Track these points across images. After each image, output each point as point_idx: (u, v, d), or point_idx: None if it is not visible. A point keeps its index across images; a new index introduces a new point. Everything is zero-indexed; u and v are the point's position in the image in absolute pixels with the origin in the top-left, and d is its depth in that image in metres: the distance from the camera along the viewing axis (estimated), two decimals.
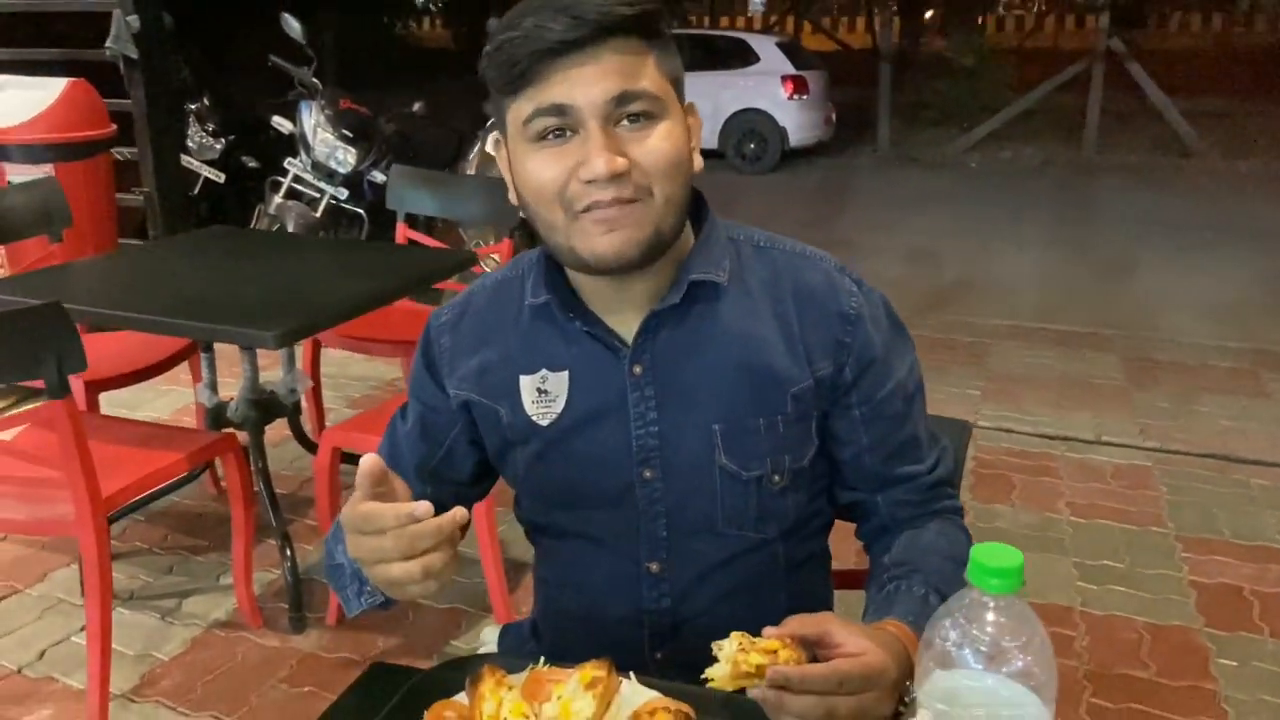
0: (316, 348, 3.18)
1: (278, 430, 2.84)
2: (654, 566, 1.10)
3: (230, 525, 2.36)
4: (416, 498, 1.20)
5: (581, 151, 0.93)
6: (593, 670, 0.90)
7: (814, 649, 0.85)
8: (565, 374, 1.07)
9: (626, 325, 1.05)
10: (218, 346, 2.72)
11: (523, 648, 1.25)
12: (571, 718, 0.86)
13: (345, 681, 1.02)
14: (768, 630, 0.84)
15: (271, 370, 3.29)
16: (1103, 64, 10.32)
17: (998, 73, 12.25)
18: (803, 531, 1.14)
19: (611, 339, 1.05)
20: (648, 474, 1.07)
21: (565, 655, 0.94)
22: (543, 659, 0.94)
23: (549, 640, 1.24)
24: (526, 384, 1.09)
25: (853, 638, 0.85)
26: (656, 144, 0.95)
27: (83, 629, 2.36)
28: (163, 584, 2.62)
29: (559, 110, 0.93)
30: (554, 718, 0.86)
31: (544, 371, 1.08)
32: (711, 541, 1.09)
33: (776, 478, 1.07)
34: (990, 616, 0.68)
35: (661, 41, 0.97)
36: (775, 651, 0.83)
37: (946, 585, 1.02)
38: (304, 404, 3.04)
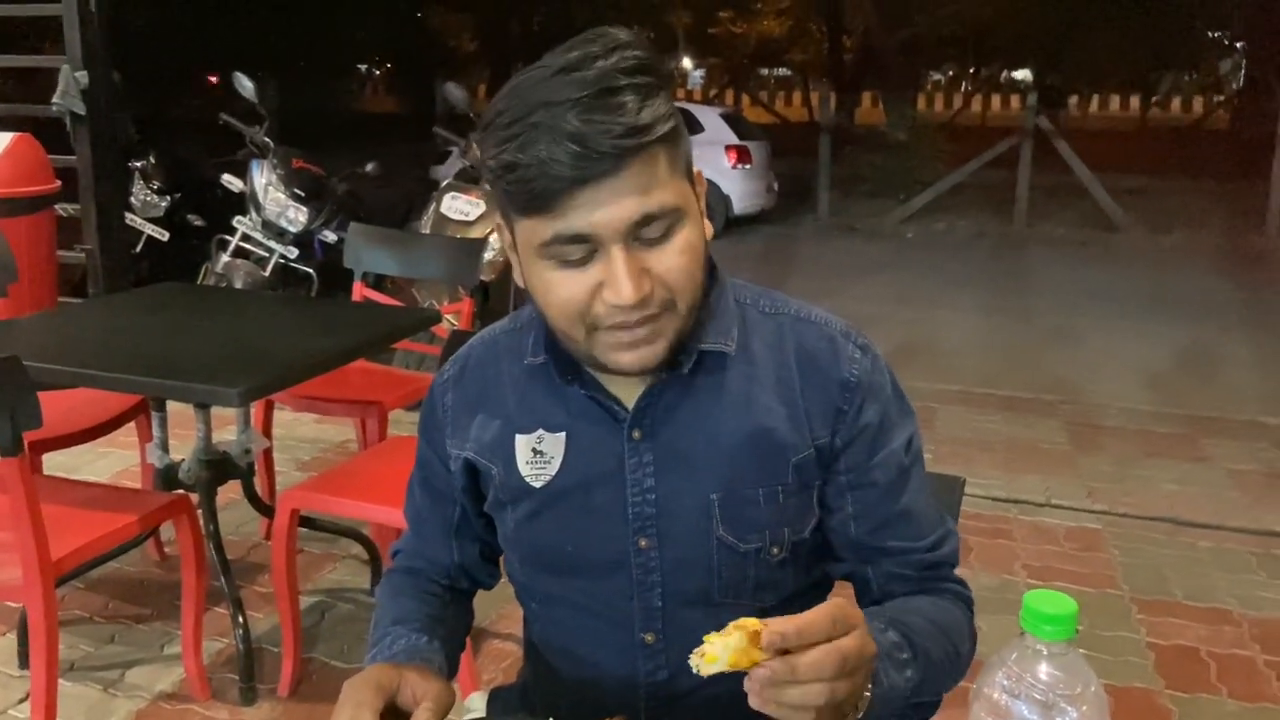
0: (269, 407, 3.10)
1: (223, 494, 2.75)
2: (649, 638, 1.07)
3: (174, 592, 2.28)
4: (449, 560, 1.18)
5: (604, 272, 0.91)
6: None
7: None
8: (562, 435, 1.05)
9: (627, 389, 1.03)
10: (167, 405, 2.63)
11: (516, 715, 1.21)
12: None
13: None
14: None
15: (222, 430, 3.20)
16: (1031, 141, 10.71)
17: (930, 147, 12.66)
18: (803, 599, 1.10)
19: (611, 403, 1.03)
20: (643, 543, 1.04)
21: None
22: None
23: (543, 708, 1.20)
24: (522, 444, 1.06)
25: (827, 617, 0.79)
26: (677, 259, 0.93)
27: (20, 701, 2.24)
28: (105, 654, 2.50)
29: (580, 239, 0.90)
30: None
31: (540, 432, 1.06)
32: (707, 611, 1.05)
33: (775, 549, 1.04)
34: (1044, 665, 0.67)
35: (669, 133, 0.91)
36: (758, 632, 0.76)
37: (916, 635, 0.95)
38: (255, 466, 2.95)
